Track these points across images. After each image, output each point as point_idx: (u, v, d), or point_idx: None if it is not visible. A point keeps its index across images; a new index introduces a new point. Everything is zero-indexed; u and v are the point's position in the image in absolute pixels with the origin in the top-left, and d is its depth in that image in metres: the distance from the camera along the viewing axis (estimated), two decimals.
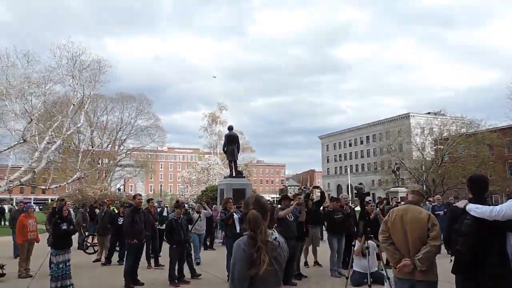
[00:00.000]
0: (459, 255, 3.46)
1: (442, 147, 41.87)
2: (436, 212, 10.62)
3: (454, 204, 3.64)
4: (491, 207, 3.31)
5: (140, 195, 8.51)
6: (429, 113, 62.24)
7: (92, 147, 37.28)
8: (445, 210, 10.99)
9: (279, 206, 10.22)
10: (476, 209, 3.35)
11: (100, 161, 42.89)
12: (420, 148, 45.09)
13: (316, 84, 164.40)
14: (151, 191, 79.76)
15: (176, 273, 7.39)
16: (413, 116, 64.22)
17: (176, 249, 7.31)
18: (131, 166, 50.92)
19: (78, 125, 29.09)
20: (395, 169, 33.25)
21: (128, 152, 48.95)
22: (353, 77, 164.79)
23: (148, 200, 10.14)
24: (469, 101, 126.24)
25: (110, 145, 46.40)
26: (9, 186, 23.24)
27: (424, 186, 40.05)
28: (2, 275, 7.89)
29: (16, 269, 8.38)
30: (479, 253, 3.33)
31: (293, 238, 7.30)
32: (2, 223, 27.02)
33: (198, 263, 9.42)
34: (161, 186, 60.11)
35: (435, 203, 11.75)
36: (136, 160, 51.79)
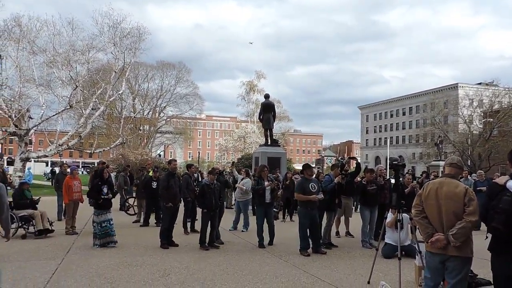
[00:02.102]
0: (495, 233, 3.27)
1: (491, 120, 39.30)
2: (478, 188, 10.09)
3: (494, 180, 3.39)
4: None
5: (175, 160, 8.73)
6: (480, 83, 58.14)
7: (134, 114, 38.57)
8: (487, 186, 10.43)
9: (298, 176, 10.12)
10: None
11: (141, 128, 44.48)
12: (467, 120, 42.59)
13: (358, 53, 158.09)
14: (189, 157, 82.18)
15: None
16: (462, 86, 60.31)
17: (207, 214, 7.51)
18: (171, 133, 52.46)
19: (120, 92, 30.06)
20: (438, 142, 31.82)
21: (168, 119, 50.28)
22: (399, 45, 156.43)
23: (189, 166, 10.29)
24: None
25: (150, 112, 47.81)
26: (59, 150, 24.79)
27: (469, 161, 38.17)
28: (51, 231, 8.54)
29: (62, 227, 9.04)
30: None
31: (314, 208, 7.32)
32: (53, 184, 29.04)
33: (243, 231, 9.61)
34: (199, 153, 61.52)
35: (478, 179, 11.14)
36: (175, 127, 53.22)
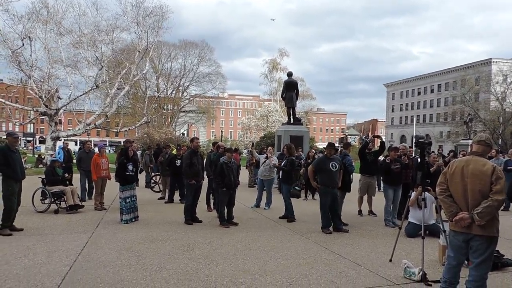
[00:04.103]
0: None
1: None
2: (508, 167, 9.73)
3: None
4: None
5: (198, 138, 8.83)
6: None
7: (158, 93, 39.05)
8: None
9: (319, 154, 10.06)
10: None
11: (165, 107, 45.10)
12: (499, 97, 40.76)
13: (387, 28, 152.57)
14: (212, 136, 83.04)
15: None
16: (496, 62, 57.37)
17: (225, 192, 7.62)
18: (194, 112, 52.99)
19: (144, 72, 30.41)
20: (468, 120, 30.66)
21: (191, 98, 50.68)
22: (431, 19, 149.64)
23: (213, 144, 10.46)
24: None
25: (174, 92, 48.27)
26: (86, 129, 25.54)
27: (500, 140, 36.74)
28: (81, 206, 8.93)
29: (91, 204, 9.44)
30: None
31: (335, 186, 7.36)
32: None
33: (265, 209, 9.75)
34: (222, 131, 62.12)
35: (509, 158, 10.72)
36: (198, 106, 53.70)
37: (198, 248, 5.86)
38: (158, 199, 11.33)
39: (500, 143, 36.08)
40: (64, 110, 26.96)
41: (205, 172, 8.92)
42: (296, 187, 12.76)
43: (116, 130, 29.10)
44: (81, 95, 25.35)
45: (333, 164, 7.33)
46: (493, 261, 3.90)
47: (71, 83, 24.37)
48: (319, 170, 7.45)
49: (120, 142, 58.17)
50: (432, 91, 75.21)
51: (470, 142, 25.24)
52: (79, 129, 24.96)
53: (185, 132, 54.29)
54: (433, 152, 11.77)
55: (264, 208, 9.80)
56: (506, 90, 42.01)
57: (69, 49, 24.83)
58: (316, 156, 11.25)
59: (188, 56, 47.95)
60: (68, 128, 42.62)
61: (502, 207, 3.71)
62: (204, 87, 49.87)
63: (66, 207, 8.67)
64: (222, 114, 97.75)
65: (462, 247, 3.70)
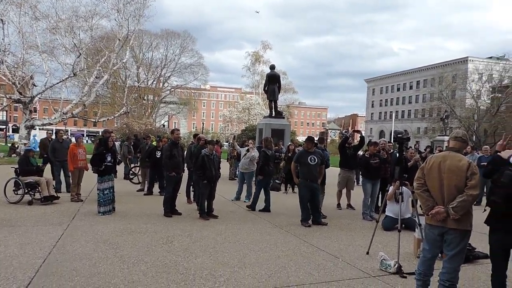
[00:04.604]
0: (494, 206, 3.27)
1: (500, 95, 38.74)
2: (482, 163, 10.05)
3: (498, 153, 3.36)
4: None
5: (178, 130, 8.72)
6: (490, 57, 56.84)
7: (138, 83, 38.32)
8: None
9: (299, 148, 10.17)
10: None
11: (145, 97, 44.34)
12: (474, 95, 41.99)
13: (369, 24, 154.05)
14: (193, 128, 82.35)
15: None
16: (472, 60, 59.01)
17: (206, 185, 7.57)
18: (175, 103, 52.32)
19: (124, 61, 29.73)
20: (444, 116, 31.46)
21: (172, 89, 49.99)
22: (411, 17, 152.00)
23: (194, 136, 10.40)
24: None
25: (155, 82, 47.50)
26: (63, 118, 24.83)
27: (474, 136, 37.93)
28: (57, 197, 8.69)
29: (67, 196, 9.21)
30: None
31: (313, 180, 7.38)
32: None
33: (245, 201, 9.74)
34: (203, 123, 61.71)
35: (482, 154, 11.08)
36: (179, 98, 53.05)
37: (177, 241, 5.82)
38: (137, 191, 11.17)
39: (474, 139, 37.26)
40: (40, 98, 26.10)
41: (185, 164, 8.84)
42: (276, 181, 12.83)
43: (94, 120, 28.43)
44: (57, 83, 24.56)
45: (312, 158, 7.38)
46: (465, 254, 4.02)
47: (47, 70, 23.57)
48: (299, 164, 7.51)
49: (98, 132, 56.95)
50: (411, 87, 76.72)
51: (446, 138, 25.97)
52: (55, 118, 24.24)
53: (166, 124, 53.62)
54: (410, 147, 12.02)
55: (244, 201, 9.81)
56: (481, 89, 43.29)
57: (45, 34, 23.95)
58: (296, 150, 11.33)
59: (170, 46, 47.22)
60: (44, 116, 41.35)
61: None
62: (185, 78, 49.29)
63: (40, 198, 8.42)
64: (204, 106, 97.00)
65: (437, 240, 3.80)
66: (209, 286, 4.05)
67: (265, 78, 18.16)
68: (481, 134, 38.98)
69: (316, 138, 8.51)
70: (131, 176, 13.24)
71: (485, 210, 3.45)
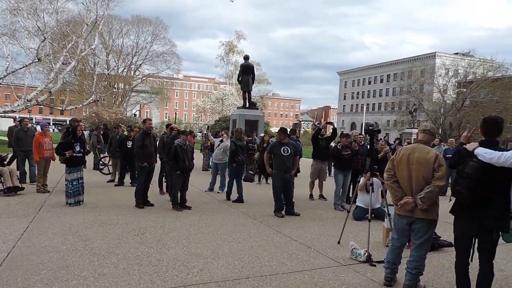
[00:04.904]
0: (459, 196, 3.42)
1: (464, 90, 40.34)
2: (447, 155, 10.47)
3: (464, 145, 3.50)
4: (501, 152, 3.17)
5: (150, 120, 8.54)
6: (457, 53, 59.01)
7: (108, 71, 37.09)
8: None
9: (273, 139, 10.25)
10: (484, 154, 3.22)
11: (115, 86, 43.05)
12: (441, 90, 43.55)
13: (342, 16, 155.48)
14: (166, 118, 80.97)
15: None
16: (439, 56, 61.06)
17: (179, 175, 7.48)
18: (147, 92, 51.14)
19: (93, 47, 28.63)
20: (413, 110, 32.49)
21: (144, 78, 48.76)
22: (383, 10, 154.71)
23: (167, 126, 10.23)
24: (506, 43, 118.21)
25: (125, 70, 46.15)
26: (27, 106, 23.70)
27: (440, 129, 39.42)
28: (21, 188, 8.33)
29: (33, 187, 8.84)
30: (480, 196, 3.27)
31: (288, 171, 7.44)
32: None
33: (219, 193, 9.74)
34: (175, 113, 60.69)
35: (448, 146, 11.54)
36: (151, 87, 51.87)
37: (149, 232, 5.73)
38: (108, 181, 10.89)
39: (440, 132, 38.75)
40: (0, 84, 24.76)
41: (157, 155, 8.69)
42: (250, 172, 12.87)
43: (61, 108, 27.31)
44: (20, 68, 23.31)
45: (285, 149, 7.43)
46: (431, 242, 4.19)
47: (8, 54, 22.31)
48: (272, 155, 7.54)
49: (65, 121, 54.88)
50: (381, 81, 78.58)
51: (414, 130, 26.87)
52: (18, 105, 23.06)
53: (137, 113, 52.36)
54: (381, 139, 12.34)
55: (218, 192, 9.78)
56: (447, 83, 44.95)
57: (5, 15, 22.60)
58: (270, 141, 11.37)
59: (141, 33, 45.90)
60: (6, 103, 39.32)
61: None
62: (158, 67, 48.14)
63: (3, 189, 8.03)
64: (177, 95, 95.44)
65: (405, 230, 3.95)
66: (182, 278, 4.02)
67: (239, 69, 18.06)
68: (447, 127, 40.57)
69: (288, 130, 8.57)
70: (101, 167, 12.88)
71: (450, 200, 3.59)
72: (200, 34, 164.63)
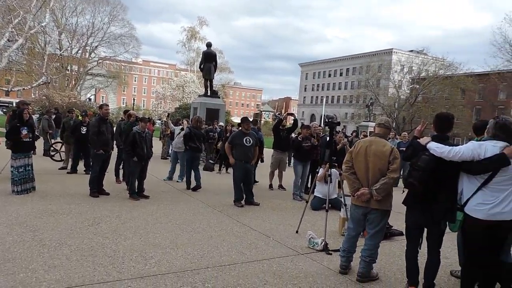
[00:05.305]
0: (411, 188, 3.59)
1: (417, 86, 42.37)
2: (400, 148, 10.96)
3: (418, 139, 3.68)
4: (451, 147, 3.36)
5: (107, 105, 8.16)
6: (411, 51, 61.74)
7: (60, 51, 34.97)
8: None
9: (235, 129, 10.29)
10: (436, 148, 3.40)
11: (69, 68, 40.75)
12: (396, 85, 45.46)
13: (305, 8, 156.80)
14: (123, 104, 78.08)
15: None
16: (396, 52, 63.61)
17: (137, 163, 7.27)
18: (103, 76, 48.90)
19: (43, 24, 26.82)
20: (369, 103, 33.67)
21: (100, 61, 46.46)
22: (345, 5, 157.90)
23: (125, 112, 9.83)
24: (459, 43, 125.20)
25: (80, 51, 43.69)
26: None
27: (394, 123, 41.25)
28: None
29: None
30: (431, 188, 3.45)
31: (248, 161, 7.49)
32: None
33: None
34: (134, 99, 58.59)
35: (401, 140, 12.11)
36: (108, 70, 49.59)
37: (104, 222, 5.52)
38: (59, 169, 10.34)
39: (394, 126, 40.59)
40: None
41: (114, 142, 8.36)
42: (210, 161, 12.77)
43: (6, 89, 25.46)
44: None
45: (248, 139, 7.44)
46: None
47: None
48: (234, 145, 7.52)
49: (11, 102, 51.25)
50: (341, 74, 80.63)
51: (370, 124, 27.89)
52: None
53: (92, 98, 50.01)
54: (339, 131, 12.68)
55: (177, 181, 9.63)
56: (402, 79, 46.99)
57: None
58: (232, 130, 11.34)
59: (98, 12, 43.44)
60: None
61: None
62: (115, 50, 45.88)
63: None
64: (135, 81, 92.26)
65: (361, 220, 4.10)
66: (139, 268, 3.93)
67: (201, 56, 17.74)
68: (400, 122, 42.52)
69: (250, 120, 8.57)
70: (52, 153, 12.19)
71: (403, 191, 3.77)
72: (160, 18, 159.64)
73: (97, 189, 7.34)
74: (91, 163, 7.94)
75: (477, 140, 3.68)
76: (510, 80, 34.28)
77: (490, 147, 3.28)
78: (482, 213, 3.25)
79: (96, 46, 45.19)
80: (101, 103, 9.87)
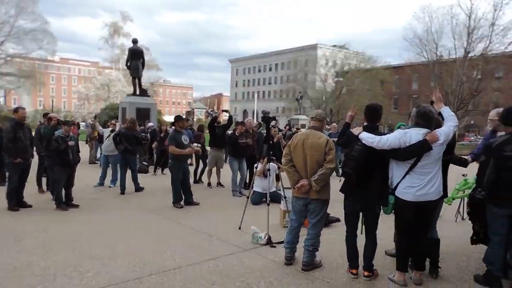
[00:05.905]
0: (347, 177, 3.79)
1: (342, 79, 44.93)
2: (332, 139, 11.53)
3: (350, 130, 3.90)
4: (380, 137, 3.61)
5: (24, 108, 7.36)
6: (335, 46, 65.16)
7: None
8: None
9: (172, 128, 10.08)
10: (367, 138, 3.62)
11: None
12: (323, 79, 47.74)
13: (232, 5, 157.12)
14: (40, 106, 71.56)
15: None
16: (320, 47, 66.60)
17: (62, 170, 6.72)
18: (13, 75, 44.14)
19: None
20: (299, 97, 34.94)
21: (8, 58, 41.91)
22: (273, 1, 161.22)
23: (44, 115, 8.95)
24: (381, 38, 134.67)
25: None
26: None
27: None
28: None
29: None
30: (364, 176, 3.67)
31: (186, 161, 7.44)
32: None
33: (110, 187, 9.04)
34: (52, 101, 53.81)
35: (331, 131, 12.73)
36: (19, 69, 44.91)
37: (29, 238, 5.01)
38: None
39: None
40: None
41: (34, 148, 7.61)
42: (144, 162, 12.25)
43: None
44: None
45: (184, 138, 7.29)
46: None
47: None
48: (175, 144, 7.27)
49: None
50: (270, 69, 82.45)
51: (300, 117, 28.97)
52: None
53: (1, 100, 45.08)
54: (273, 126, 12.96)
55: (110, 186, 9.07)
56: (327, 73, 49.52)
57: None
58: (169, 130, 11.01)
59: (2, 3, 39.12)
60: None
61: None
62: (26, 46, 41.65)
63: None
64: (53, 80, 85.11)
65: (302, 210, 4.22)
66: (75, 284, 3.63)
67: (127, 53, 16.91)
68: (328, 113, 44.76)
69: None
70: None
71: (340, 180, 3.96)
72: (77, 12, 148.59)
73: (16, 201, 6.63)
74: (7, 174, 7.14)
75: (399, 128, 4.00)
76: (421, 71, 37.81)
77: (414, 135, 3.57)
78: (411, 195, 3.54)
79: (3, 42, 40.69)
80: (13, 106, 8.82)
